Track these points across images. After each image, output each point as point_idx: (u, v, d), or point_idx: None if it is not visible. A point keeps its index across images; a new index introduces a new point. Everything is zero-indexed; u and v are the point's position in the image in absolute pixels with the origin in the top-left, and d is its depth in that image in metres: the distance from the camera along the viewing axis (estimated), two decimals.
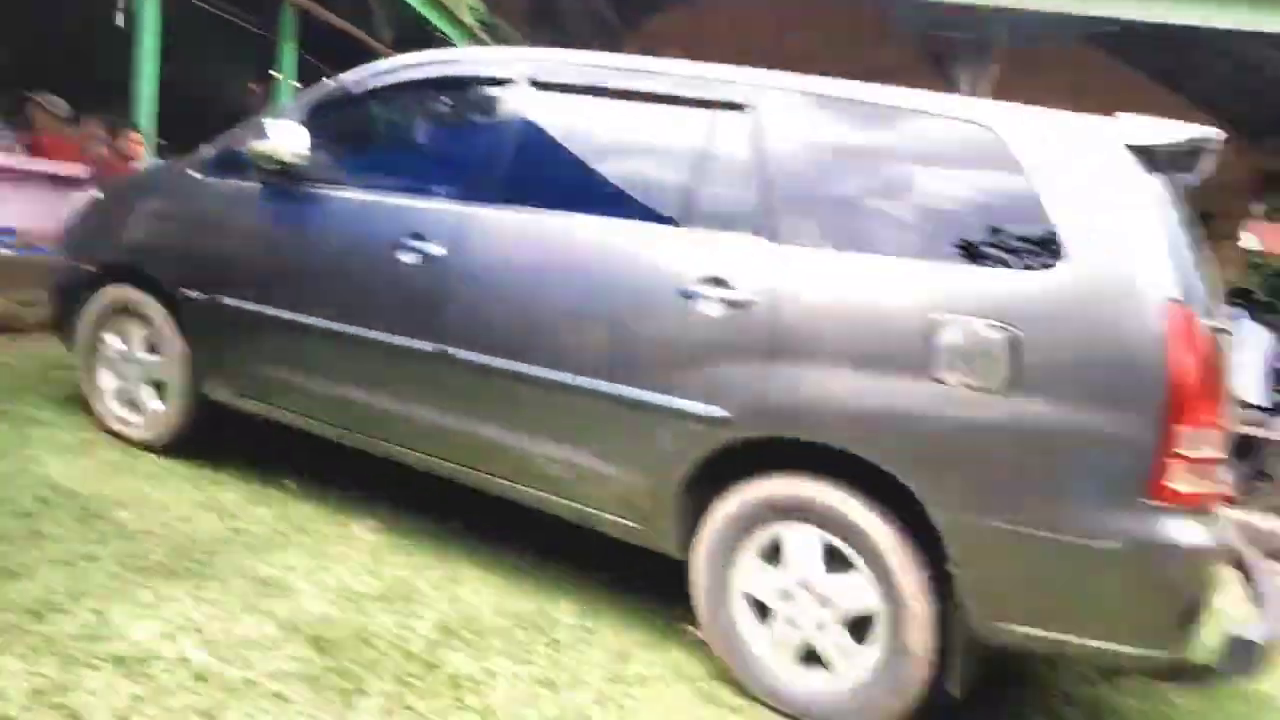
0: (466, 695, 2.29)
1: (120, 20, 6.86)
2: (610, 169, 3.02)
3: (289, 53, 8.35)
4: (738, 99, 2.76)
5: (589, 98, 3.03)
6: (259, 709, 2.06)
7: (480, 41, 9.99)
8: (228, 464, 3.60)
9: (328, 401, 3.25)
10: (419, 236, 2.99)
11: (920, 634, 2.37)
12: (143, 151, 6.47)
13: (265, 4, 8.31)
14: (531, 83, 3.05)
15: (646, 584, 3.13)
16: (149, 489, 3.18)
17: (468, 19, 9.82)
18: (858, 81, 2.75)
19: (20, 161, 6.15)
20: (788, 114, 2.71)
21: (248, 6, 8.70)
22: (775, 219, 2.61)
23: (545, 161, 3.08)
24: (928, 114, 2.63)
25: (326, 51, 9.34)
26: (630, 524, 2.77)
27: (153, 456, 3.52)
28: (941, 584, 2.39)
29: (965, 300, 2.37)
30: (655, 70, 2.94)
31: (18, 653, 2.06)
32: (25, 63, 10.84)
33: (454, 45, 9.39)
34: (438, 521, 3.42)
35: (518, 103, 3.06)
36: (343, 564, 2.89)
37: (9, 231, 5.83)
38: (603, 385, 2.71)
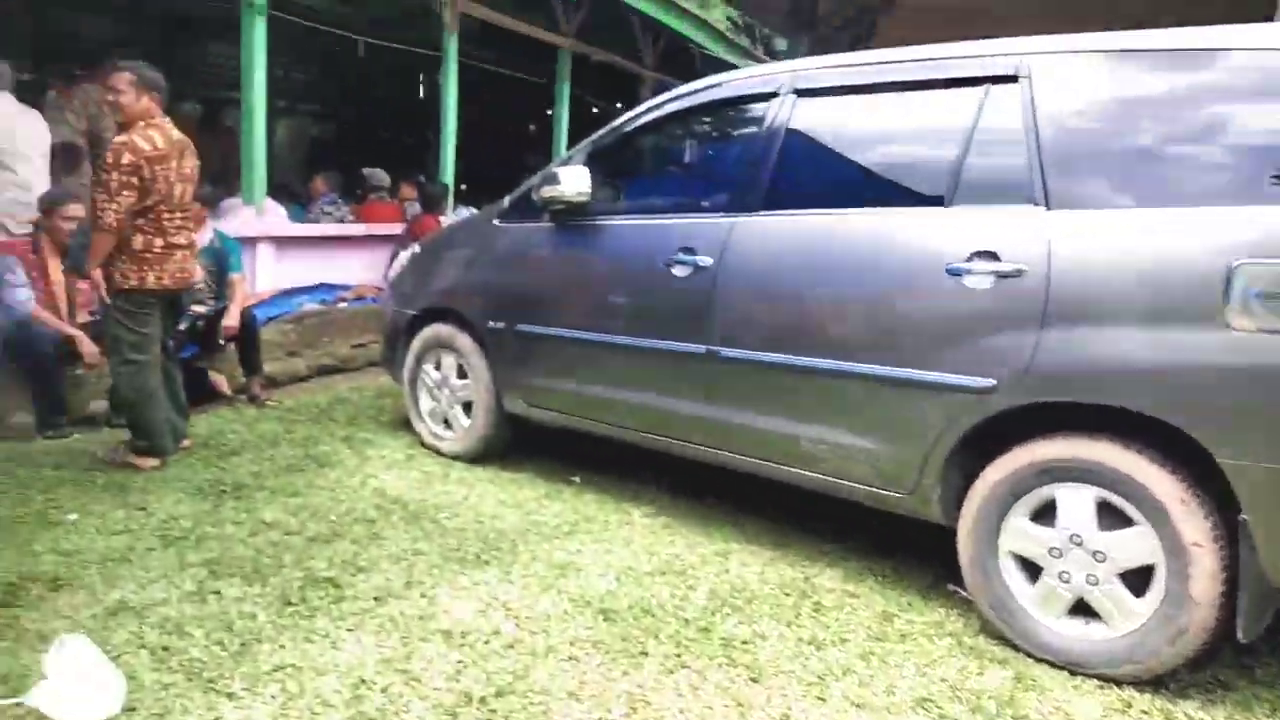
0: (737, 655, 2.47)
1: (422, 92, 7.97)
2: (873, 161, 3.08)
3: (563, 93, 9.09)
4: (1008, 70, 2.69)
5: (853, 97, 3.10)
6: (559, 669, 2.37)
7: (734, 45, 10.25)
8: (524, 466, 4.08)
9: (607, 405, 3.60)
10: (689, 250, 3.23)
11: (1205, 583, 2.21)
12: (414, 196, 7.55)
13: (543, 54, 9.13)
14: (795, 91, 3.17)
15: (908, 548, 3.18)
16: (461, 493, 3.70)
17: (719, 20, 10.13)
18: (1139, 30, 2.59)
19: (352, 229, 7.26)
20: (1064, 76, 2.61)
21: (527, 57, 9.59)
22: (1050, 185, 2.52)
23: (808, 165, 3.19)
24: (1226, 50, 2.42)
25: (595, 83, 10.06)
26: (896, 495, 2.82)
27: (463, 465, 4.07)
28: (1230, 530, 2.21)
29: (1272, 242, 2.17)
30: (918, 58, 2.93)
31: (370, 630, 2.53)
32: (351, 144, 12.68)
33: (709, 52, 9.74)
34: (707, 503, 3.65)
35: (781, 113, 3.17)
36: (624, 546, 3.20)
37: (345, 288, 6.90)
38: (869, 367, 2.78)
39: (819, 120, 3.16)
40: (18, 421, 4.24)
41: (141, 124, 3.64)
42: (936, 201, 2.76)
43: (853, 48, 9.93)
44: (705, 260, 3.18)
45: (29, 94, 6.96)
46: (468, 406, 4.14)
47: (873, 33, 9.48)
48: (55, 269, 4.36)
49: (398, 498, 3.59)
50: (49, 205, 4.34)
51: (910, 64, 2.94)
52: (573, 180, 3.59)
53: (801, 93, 3.17)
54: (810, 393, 2.95)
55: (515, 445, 4.17)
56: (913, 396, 2.70)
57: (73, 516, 3.24)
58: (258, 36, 5.77)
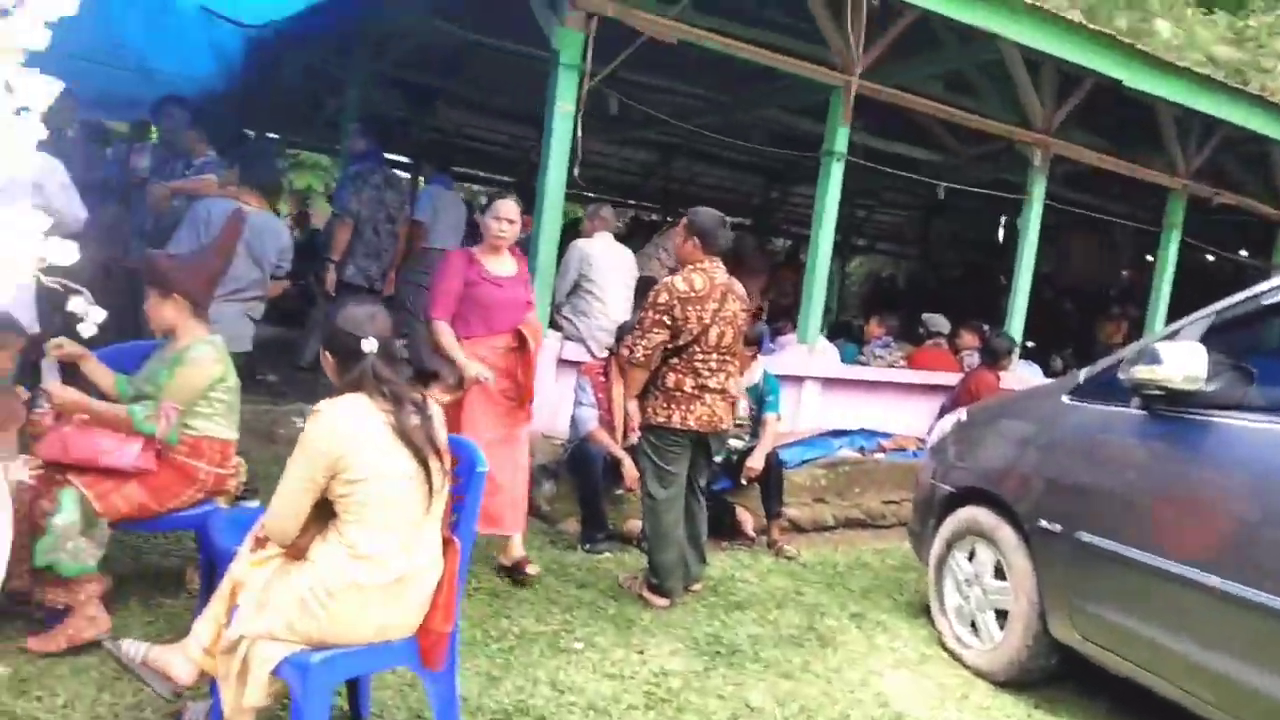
0: None
1: (1000, 235, 7.44)
2: None
3: (1171, 241, 7.70)
4: None
5: None
6: None
7: None
8: (1067, 707, 3.17)
9: (1198, 669, 2.63)
10: None
11: None
12: (974, 345, 6.82)
13: (1146, 194, 7.98)
14: None
15: None
16: None
17: None
18: None
19: (901, 375, 6.91)
20: None
21: (1122, 198, 8.53)
22: None
23: None
24: None
25: (1208, 224, 8.45)
26: None
27: (986, 687, 3.31)
28: None
29: None
30: None
31: None
32: (918, 285, 12.55)
33: None
34: None
35: None
36: None
37: (886, 436, 6.52)
38: None
39: None
40: (567, 529, 4.58)
41: (689, 266, 3.73)
42: None
43: None
44: None
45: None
46: (1001, 615, 3.40)
47: None
48: (617, 392, 4.69)
49: (900, 715, 2.99)
50: (619, 333, 4.71)
51: None
52: (1182, 360, 2.74)
53: None
54: None
55: (1062, 675, 3.29)
56: None
57: (578, 645, 3.26)
58: (833, 180, 5.84)
